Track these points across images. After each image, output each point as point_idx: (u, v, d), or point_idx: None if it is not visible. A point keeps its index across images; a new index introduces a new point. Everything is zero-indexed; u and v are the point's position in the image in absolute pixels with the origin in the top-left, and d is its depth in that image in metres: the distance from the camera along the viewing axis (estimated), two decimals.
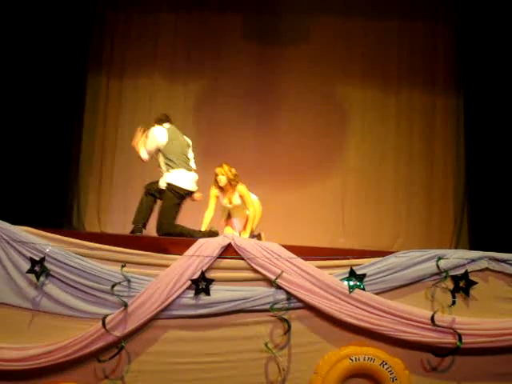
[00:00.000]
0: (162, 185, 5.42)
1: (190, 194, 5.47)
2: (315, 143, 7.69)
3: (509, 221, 6.67)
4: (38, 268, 4.46)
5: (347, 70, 7.82)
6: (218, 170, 5.67)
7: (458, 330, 4.37)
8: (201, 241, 4.61)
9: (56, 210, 6.98)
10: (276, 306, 4.44)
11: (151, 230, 5.43)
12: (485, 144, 7.13)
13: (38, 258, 4.48)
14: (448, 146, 7.73)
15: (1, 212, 4.97)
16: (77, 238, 4.62)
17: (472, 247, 6.71)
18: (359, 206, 7.60)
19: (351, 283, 4.45)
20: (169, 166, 5.39)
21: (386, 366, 4.37)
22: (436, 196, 7.63)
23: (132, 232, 5.40)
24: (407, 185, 7.67)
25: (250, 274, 4.52)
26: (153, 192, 5.52)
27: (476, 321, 4.46)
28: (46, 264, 4.47)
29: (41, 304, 4.48)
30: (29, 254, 4.50)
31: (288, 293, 4.46)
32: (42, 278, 4.47)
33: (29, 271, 4.47)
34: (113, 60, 7.88)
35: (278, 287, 4.46)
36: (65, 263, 4.48)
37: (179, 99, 7.76)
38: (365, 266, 4.52)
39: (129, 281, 4.46)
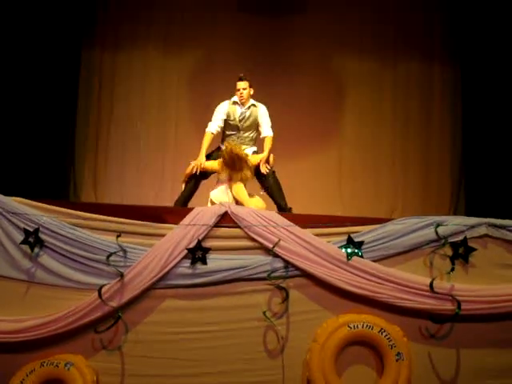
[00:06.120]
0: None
1: None
2: (312, 116, 7.62)
3: (505, 192, 6.64)
4: (32, 239, 4.39)
5: (344, 43, 7.73)
6: None
7: (457, 297, 4.33)
8: (197, 209, 4.55)
9: (52, 185, 6.90)
10: (274, 275, 4.39)
11: (145, 199, 5.35)
12: (482, 116, 7.11)
13: (31, 229, 4.40)
14: (445, 118, 7.71)
15: None
16: (71, 209, 4.55)
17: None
18: (356, 179, 7.57)
19: (349, 251, 4.41)
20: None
21: (384, 334, 4.34)
22: (433, 169, 7.62)
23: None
24: (404, 158, 7.65)
25: (247, 243, 4.47)
26: None
27: (475, 287, 4.42)
28: (41, 235, 4.40)
29: (36, 275, 4.42)
30: (22, 225, 4.42)
31: (285, 261, 4.40)
32: (36, 249, 4.41)
33: (23, 242, 4.39)
34: (106, 33, 7.77)
35: (276, 255, 4.40)
36: (59, 234, 4.42)
37: (173, 72, 7.67)
38: (363, 233, 4.48)
39: (124, 251, 4.40)
